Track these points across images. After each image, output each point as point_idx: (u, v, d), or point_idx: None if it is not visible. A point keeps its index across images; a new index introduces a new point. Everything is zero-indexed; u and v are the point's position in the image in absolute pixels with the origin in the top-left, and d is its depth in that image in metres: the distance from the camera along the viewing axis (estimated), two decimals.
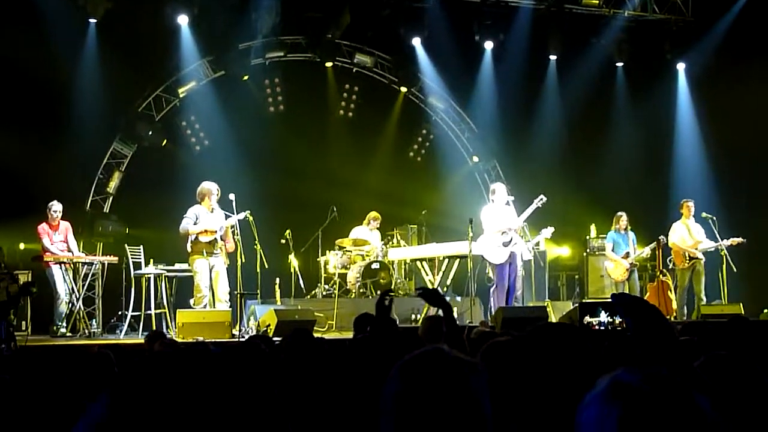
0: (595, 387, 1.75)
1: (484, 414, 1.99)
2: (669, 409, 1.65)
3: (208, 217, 12.62)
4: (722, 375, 2.81)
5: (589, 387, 1.76)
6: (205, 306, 12.45)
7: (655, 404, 1.66)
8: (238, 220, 12.54)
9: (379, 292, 14.24)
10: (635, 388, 1.69)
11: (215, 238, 12.55)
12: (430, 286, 14.27)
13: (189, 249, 12.72)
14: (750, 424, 2.54)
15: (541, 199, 13.01)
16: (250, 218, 12.62)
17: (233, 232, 12.67)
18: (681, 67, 18.50)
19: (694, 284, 14.58)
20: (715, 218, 14.47)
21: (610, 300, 2.23)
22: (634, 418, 1.65)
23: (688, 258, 14.48)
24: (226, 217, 12.66)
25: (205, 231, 12.50)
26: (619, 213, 15.02)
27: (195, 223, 12.53)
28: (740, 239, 14.37)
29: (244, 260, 12.62)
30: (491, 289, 13.19)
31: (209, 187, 12.73)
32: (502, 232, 12.83)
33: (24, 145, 13.50)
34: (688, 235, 14.59)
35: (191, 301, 12.98)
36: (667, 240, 14.58)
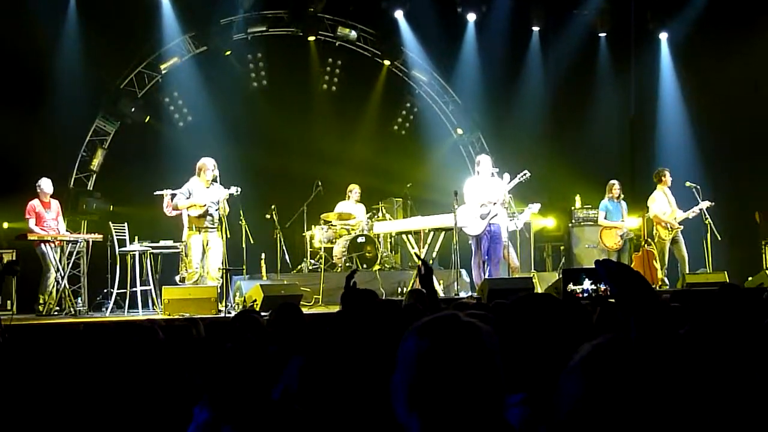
0: (576, 355, 1.76)
1: (499, 373, 2.08)
2: (652, 378, 1.66)
3: (203, 191, 12.59)
4: (709, 341, 2.83)
5: (571, 355, 1.77)
6: (197, 281, 12.46)
7: (637, 373, 1.67)
8: (230, 195, 12.55)
9: (365, 266, 14.39)
10: (616, 356, 1.70)
11: (207, 212, 12.51)
12: (415, 259, 14.29)
13: (185, 224, 12.84)
14: (737, 389, 2.56)
15: (525, 175, 12.98)
16: (235, 194, 12.61)
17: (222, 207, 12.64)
18: (663, 36, 18.48)
19: (676, 253, 14.61)
20: (699, 187, 14.48)
21: (594, 267, 2.25)
22: (614, 387, 1.66)
23: (670, 228, 14.50)
24: None
25: (193, 205, 12.49)
26: (612, 181, 14.96)
27: (188, 198, 12.54)
28: (709, 202, 14.37)
29: (229, 236, 12.61)
30: (471, 261, 13.21)
31: (203, 162, 12.71)
32: (481, 204, 12.82)
33: (5, 123, 13.38)
34: (667, 204, 14.59)
35: (177, 278, 13.01)
36: (648, 211, 14.62)
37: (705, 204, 14.33)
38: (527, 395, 2.61)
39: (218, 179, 12.60)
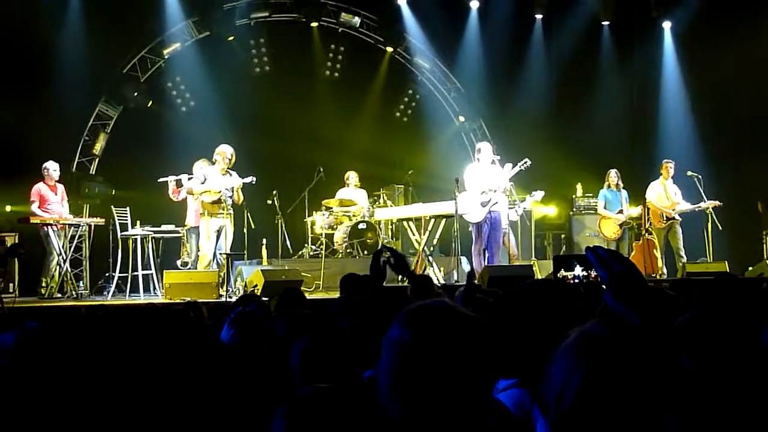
0: (565, 340, 1.78)
1: (486, 362, 2.04)
2: (637, 362, 1.68)
3: (218, 178, 12.58)
4: (706, 331, 2.86)
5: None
6: (209, 266, 12.49)
7: (622, 357, 1.69)
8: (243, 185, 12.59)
9: (365, 252, 14.41)
10: (604, 341, 1.72)
11: (220, 199, 12.49)
12: (416, 246, 14.27)
13: (191, 209, 13.13)
14: (735, 378, 2.59)
15: (525, 163, 12.94)
16: (252, 183, 12.64)
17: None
18: (667, 25, 18.47)
19: (672, 243, 14.56)
20: (700, 176, 14.43)
21: (584, 254, 2.26)
22: (600, 371, 1.69)
23: (665, 218, 14.48)
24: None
25: (208, 191, 12.48)
26: (610, 170, 14.87)
27: (203, 183, 12.54)
28: (717, 202, 14.35)
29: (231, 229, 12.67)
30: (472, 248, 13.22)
31: (222, 149, 12.64)
32: (481, 191, 12.82)
33: (8, 108, 13.35)
34: (665, 195, 14.58)
35: (178, 263, 13.09)
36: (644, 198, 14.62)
37: (711, 203, 14.28)
38: (519, 380, 2.63)
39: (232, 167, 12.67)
